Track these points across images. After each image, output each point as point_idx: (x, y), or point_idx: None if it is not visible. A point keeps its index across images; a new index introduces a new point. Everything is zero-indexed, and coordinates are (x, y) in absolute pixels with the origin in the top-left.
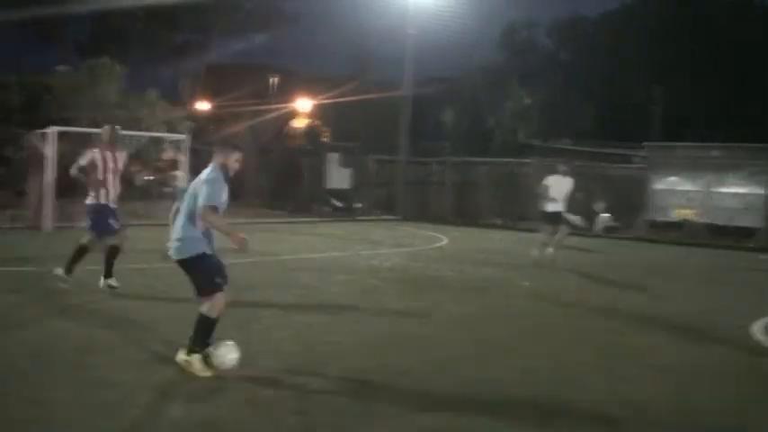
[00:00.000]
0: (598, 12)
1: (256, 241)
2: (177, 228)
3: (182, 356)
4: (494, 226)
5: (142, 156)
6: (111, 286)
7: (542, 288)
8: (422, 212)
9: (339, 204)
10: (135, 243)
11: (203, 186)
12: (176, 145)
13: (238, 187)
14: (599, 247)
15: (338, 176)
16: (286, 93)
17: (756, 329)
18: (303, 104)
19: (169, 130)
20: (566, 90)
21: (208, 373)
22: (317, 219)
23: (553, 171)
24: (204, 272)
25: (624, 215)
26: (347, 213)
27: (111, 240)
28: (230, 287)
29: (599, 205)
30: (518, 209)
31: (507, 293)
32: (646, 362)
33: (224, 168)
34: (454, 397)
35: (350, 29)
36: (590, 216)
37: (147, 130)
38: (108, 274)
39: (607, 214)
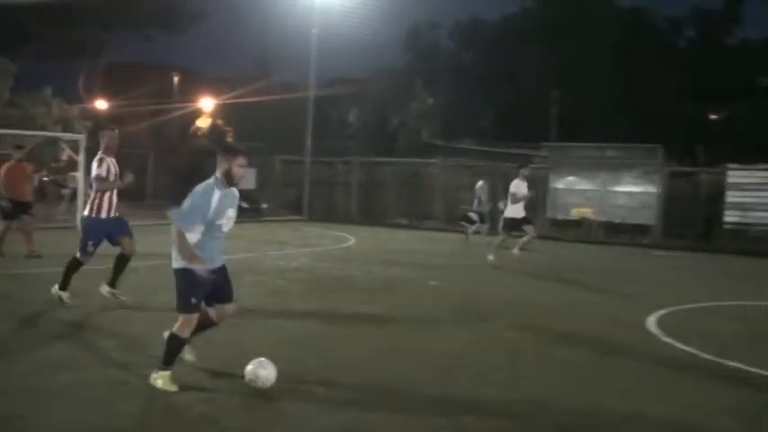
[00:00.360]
0: (498, 14)
1: (162, 243)
2: None
3: (153, 376)
4: (400, 226)
5: (37, 156)
6: (61, 299)
7: (450, 287)
8: (328, 213)
9: (245, 205)
10: (39, 248)
11: (187, 199)
12: (73, 145)
13: (141, 189)
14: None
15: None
16: (189, 92)
17: (651, 323)
18: (206, 104)
19: (65, 130)
20: (468, 91)
21: (174, 389)
22: None
23: (514, 176)
24: (181, 287)
25: (526, 214)
26: (253, 214)
27: (77, 255)
28: (135, 291)
29: (501, 204)
30: (423, 209)
31: (415, 293)
32: (548, 358)
33: (227, 176)
34: (363, 396)
35: (254, 28)
36: (494, 215)
37: (42, 129)
38: (63, 287)
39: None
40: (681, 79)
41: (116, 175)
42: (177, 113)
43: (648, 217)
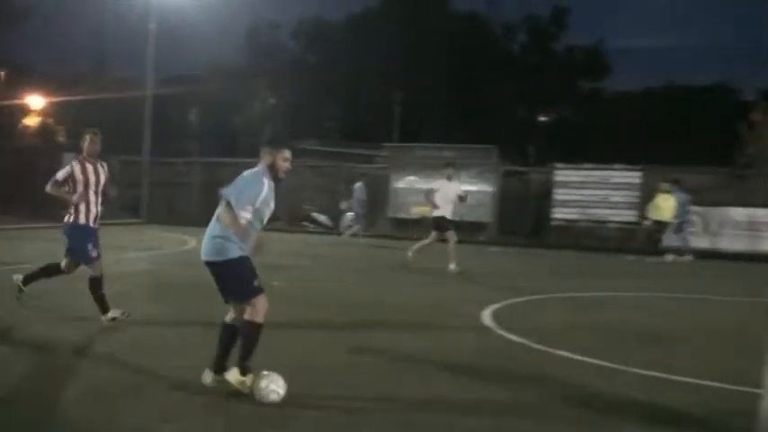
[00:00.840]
0: (342, 15)
1: None
2: (211, 226)
3: (235, 378)
4: None
5: None
6: (113, 319)
7: (293, 287)
8: (169, 214)
9: None
10: None
11: (235, 181)
12: None
13: None
14: (345, 245)
15: None
16: (16, 89)
17: (486, 316)
18: (35, 101)
19: None
20: (312, 91)
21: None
22: (56, 224)
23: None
24: (240, 276)
25: (369, 213)
26: None
27: (90, 272)
28: None
29: (344, 204)
30: None
31: None
32: (389, 354)
33: (272, 169)
34: (207, 401)
35: (90, 23)
36: (336, 215)
37: None
38: (105, 310)
39: (351, 213)
40: (514, 82)
41: (90, 183)
42: (3, 112)
43: (485, 215)
